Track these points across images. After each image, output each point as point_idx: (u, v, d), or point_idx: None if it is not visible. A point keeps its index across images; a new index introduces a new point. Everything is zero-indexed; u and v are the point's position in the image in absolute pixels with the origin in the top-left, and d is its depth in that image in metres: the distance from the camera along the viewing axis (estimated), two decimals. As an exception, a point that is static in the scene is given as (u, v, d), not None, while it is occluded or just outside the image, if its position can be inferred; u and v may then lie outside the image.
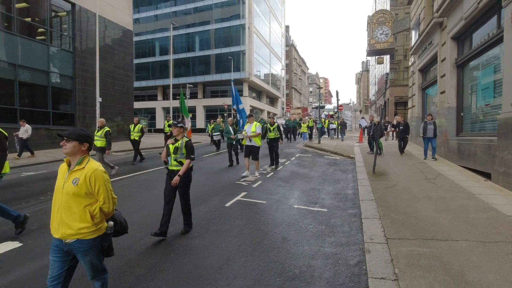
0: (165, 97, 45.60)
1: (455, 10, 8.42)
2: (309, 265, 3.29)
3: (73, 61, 15.99)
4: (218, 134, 14.79)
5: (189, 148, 4.04)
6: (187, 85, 31.93)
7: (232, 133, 9.95)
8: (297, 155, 12.68)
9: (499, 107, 6.27)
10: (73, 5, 15.86)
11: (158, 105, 44.86)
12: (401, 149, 11.27)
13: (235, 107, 9.55)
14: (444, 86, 9.77)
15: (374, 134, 10.56)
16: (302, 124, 20.28)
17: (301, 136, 21.79)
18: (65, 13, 15.93)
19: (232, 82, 10.67)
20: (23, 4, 13.97)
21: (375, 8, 49.71)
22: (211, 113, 39.81)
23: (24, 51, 13.71)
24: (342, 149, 14.03)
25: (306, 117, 27.58)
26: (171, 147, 4.05)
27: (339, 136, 21.07)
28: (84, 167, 2.07)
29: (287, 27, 68.27)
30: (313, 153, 13.74)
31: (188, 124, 11.79)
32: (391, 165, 9.33)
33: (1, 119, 12.41)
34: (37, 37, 14.49)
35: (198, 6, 42.40)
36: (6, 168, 4.11)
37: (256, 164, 8.10)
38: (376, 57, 23.42)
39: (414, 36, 14.88)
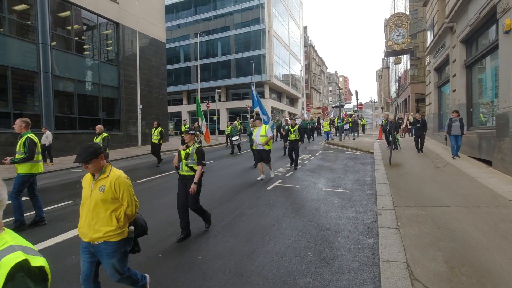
0: (190, 101, 48.01)
1: (462, 17, 9.41)
2: (336, 223, 4.66)
3: (118, 73, 18.12)
4: (238, 139, 14.04)
5: (200, 154, 4.12)
6: (216, 90, 33.85)
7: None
8: (320, 151, 13.93)
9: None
10: (117, 24, 18.01)
11: (184, 109, 47.26)
12: (419, 148, 10.95)
13: (256, 109, 9.89)
14: (455, 85, 10.70)
15: (390, 130, 11.54)
16: (324, 123, 20.89)
17: (321, 135, 22.90)
18: (111, 31, 18.11)
19: (252, 86, 10.92)
20: (77, 26, 16.19)
21: (394, 4, 49.58)
22: (234, 115, 41.55)
23: (80, 67, 15.92)
24: (362, 145, 15.11)
25: (325, 117, 28.44)
26: (183, 153, 4.15)
27: (351, 135, 21.39)
28: (108, 175, 2.28)
29: (305, 28, 69.09)
30: (335, 149, 14.93)
31: (204, 127, 12.02)
32: (406, 157, 10.41)
33: (63, 126, 14.62)
34: (86, 53, 16.69)
35: (219, 14, 44.44)
36: (39, 168, 4.81)
37: (269, 167, 8.13)
38: (393, 58, 24.02)
39: (429, 37, 15.69)
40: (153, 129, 11.10)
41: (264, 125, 7.99)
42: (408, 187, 6.28)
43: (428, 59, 16.25)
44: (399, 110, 45.88)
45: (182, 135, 10.49)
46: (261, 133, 7.79)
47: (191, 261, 3.52)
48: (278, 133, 19.22)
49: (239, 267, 3.33)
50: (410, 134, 18.23)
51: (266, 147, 7.78)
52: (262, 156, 7.85)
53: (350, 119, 21.89)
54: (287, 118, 14.50)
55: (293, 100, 57.18)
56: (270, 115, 16.35)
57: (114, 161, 12.87)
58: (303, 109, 60.90)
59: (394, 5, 48.97)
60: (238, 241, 4.04)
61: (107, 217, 2.25)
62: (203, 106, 34.08)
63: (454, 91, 11.01)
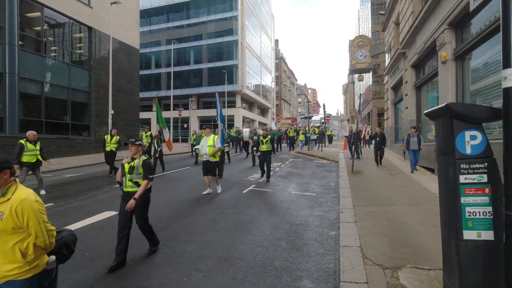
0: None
1: (412, 45, 10.90)
2: (305, 220, 5.38)
3: (89, 77, 17.81)
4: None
5: (147, 168, 3.70)
6: (189, 98, 33.99)
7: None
8: (290, 160, 14.83)
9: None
10: (90, 28, 17.80)
11: (154, 115, 46.36)
12: (378, 160, 11.36)
13: (219, 119, 8.89)
14: (408, 103, 12.20)
15: (354, 141, 12.73)
16: (301, 134, 21.51)
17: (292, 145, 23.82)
18: (83, 34, 17.84)
19: (216, 94, 10.19)
20: (47, 28, 15.80)
21: (359, 25, 53.46)
22: (205, 123, 41.76)
23: (49, 70, 15.50)
24: (328, 155, 16.27)
25: (291, 127, 28.82)
26: (126, 167, 3.68)
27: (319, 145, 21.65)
28: (9, 199, 1.77)
29: (276, 41, 71.58)
30: (303, 158, 15.93)
31: (166, 135, 11.44)
32: (366, 166, 11.58)
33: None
34: (55, 56, 16.32)
35: (192, 22, 44.85)
36: None
37: (216, 181, 7.42)
38: (357, 75, 26.15)
39: (387, 58, 17.53)
40: (109, 136, 10.24)
41: (213, 135, 7.39)
42: (366, 191, 7.23)
43: (386, 78, 18.06)
44: (363, 123, 49.10)
45: (148, 140, 9.45)
46: (208, 143, 7.16)
47: (182, 250, 4.00)
48: (238, 145, 18.76)
49: (224, 254, 3.88)
50: (366, 145, 19.66)
51: (212, 159, 7.17)
52: (208, 169, 7.18)
53: (317, 130, 22.69)
54: (256, 128, 14.64)
55: (263, 110, 58.57)
56: (245, 125, 16.26)
57: (83, 167, 12.69)
58: (273, 119, 62.59)
59: (359, 26, 52.77)
60: (221, 234, 4.59)
61: (8, 251, 1.76)
62: (175, 114, 34.05)
63: (406, 108, 12.50)
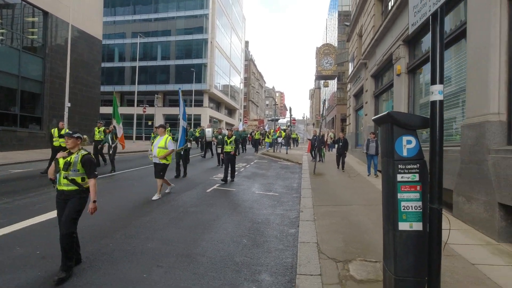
0: (123, 103, 45.25)
1: (372, 57, 11.71)
2: (267, 218, 5.56)
3: (43, 66, 16.54)
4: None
5: (89, 164, 3.27)
6: (155, 95, 32.92)
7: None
8: (255, 161, 15.05)
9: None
10: (46, 13, 16.56)
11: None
12: (339, 164, 11.59)
13: (181, 117, 8.86)
14: (367, 110, 13.05)
15: (318, 144, 13.24)
16: (267, 136, 21.52)
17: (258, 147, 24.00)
18: (37, 18, 16.53)
19: (179, 91, 9.75)
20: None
21: (326, 33, 55.69)
22: (170, 122, 40.67)
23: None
24: (293, 157, 16.78)
25: (257, 129, 28.57)
26: (61, 162, 3.25)
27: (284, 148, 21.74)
28: None
29: (246, 43, 72.01)
30: (268, 159, 16.26)
31: (120, 131, 10.64)
32: (328, 169, 12.16)
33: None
34: (2, 39, 14.97)
35: (160, 17, 43.52)
36: None
37: (159, 184, 6.68)
38: (323, 81, 27.27)
39: (350, 67, 18.56)
40: (56, 130, 9.34)
41: (166, 136, 6.87)
42: (326, 191, 7.63)
43: (349, 86, 19.10)
44: (327, 128, 51.19)
45: (101, 136, 9.38)
46: (160, 144, 6.70)
47: (142, 247, 3.96)
48: (198, 144, 18.52)
49: (186, 251, 3.91)
50: (328, 148, 20.57)
51: (163, 161, 6.67)
52: (155, 171, 6.73)
53: (283, 134, 22.62)
54: (222, 128, 14.61)
55: (231, 111, 58.53)
56: (207, 124, 16.06)
57: (34, 162, 11.78)
58: (240, 120, 62.81)
59: (326, 34, 54.95)
60: (184, 232, 4.60)
61: None
62: (139, 110, 32.75)
63: (366, 115, 13.36)
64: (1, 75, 14.46)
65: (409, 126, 2.04)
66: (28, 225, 4.56)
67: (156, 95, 36.27)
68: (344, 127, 41.46)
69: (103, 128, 11.00)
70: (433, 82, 1.92)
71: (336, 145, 12.16)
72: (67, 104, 17.21)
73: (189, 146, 12.67)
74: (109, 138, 10.23)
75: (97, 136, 10.92)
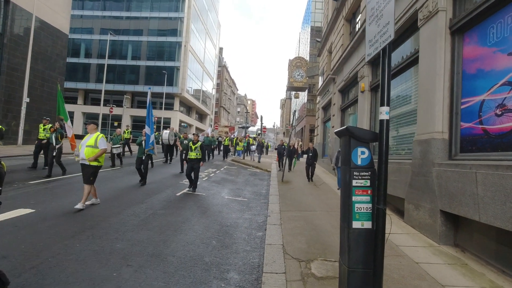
0: (86, 101, 43.11)
1: (340, 73, 12.54)
2: (235, 222, 5.77)
3: (0, 58, 15.44)
4: (119, 147, 12.37)
5: None
6: (124, 95, 31.84)
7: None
8: (225, 167, 15.18)
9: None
10: (6, 1, 15.56)
11: (78, 109, 41.94)
12: (309, 176, 11.23)
13: (146, 121, 8.62)
14: (334, 122, 13.83)
15: (288, 154, 12.79)
16: (240, 143, 20.94)
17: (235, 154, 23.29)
18: (-1, 8, 15.50)
19: (149, 90, 9.31)
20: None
21: (299, 46, 57.78)
22: (138, 124, 39.40)
23: None
24: (262, 165, 17.15)
25: (227, 135, 27.45)
26: None
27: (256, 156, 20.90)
28: None
29: (221, 49, 72.28)
30: (238, 166, 16.47)
31: (70, 131, 9.34)
32: (295, 177, 12.65)
33: None
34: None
35: (133, 16, 42.45)
36: None
37: (86, 191, 5.67)
38: (294, 92, 28.21)
39: (320, 81, 19.52)
40: (42, 125, 9.81)
41: (97, 134, 5.87)
42: (292, 198, 8.01)
43: (318, 98, 20.04)
44: (296, 137, 52.71)
45: (45, 134, 8.33)
46: (89, 143, 5.71)
47: (111, 247, 3.96)
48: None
49: (156, 251, 3.99)
50: (297, 157, 21.02)
51: (93, 163, 5.67)
52: (83, 174, 5.76)
53: (254, 142, 21.77)
54: (186, 132, 12.79)
55: (202, 116, 58.05)
56: (177, 129, 15.46)
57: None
58: (211, 125, 62.50)
59: (299, 47, 56.98)
60: (153, 233, 4.65)
61: None
62: (105, 110, 31.37)
63: (333, 127, 14.14)
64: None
65: (363, 139, 2.41)
66: (-16, 225, 4.34)
67: (125, 95, 35.02)
68: (312, 137, 43.05)
69: (49, 125, 9.99)
70: (381, 104, 2.31)
71: (306, 156, 11.62)
72: (25, 99, 16.19)
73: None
74: (53, 137, 8.95)
75: (42, 135, 9.89)
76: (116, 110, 35.34)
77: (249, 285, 3.36)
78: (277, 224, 5.57)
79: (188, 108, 48.87)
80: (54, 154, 8.81)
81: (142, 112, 40.94)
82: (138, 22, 42.20)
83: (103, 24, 42.30)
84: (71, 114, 42.09)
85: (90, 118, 40.27)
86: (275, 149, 16.85)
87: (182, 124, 45.37)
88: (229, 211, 6.53)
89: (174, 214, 5.82)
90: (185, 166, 8.84)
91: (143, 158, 8.61)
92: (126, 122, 40.59)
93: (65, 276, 3.16)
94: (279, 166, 14.44)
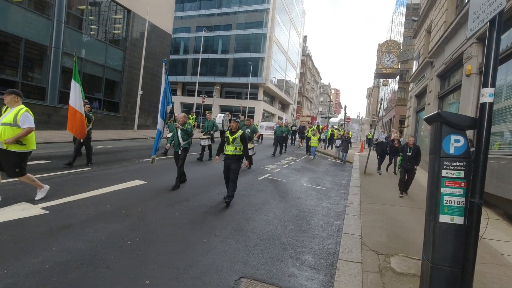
0: (184, 93, 48.61)
1: (440, 55, 10.91)
2: (313, 209, 5.84)
3: (123, 58, 18.79)
4: (208, 138, 10.72)
5: None
6: (215, 86, 34.69)
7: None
8: (305, 156, 15.20)
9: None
10: (128, 11, 18.70)
11: (177, 100, 47.70)
12: (404, 187, 7.39)
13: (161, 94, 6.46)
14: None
15: (393, 152, 10.55)
16: (312, 137, 14.86)
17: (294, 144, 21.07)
18: (121, 16, 18.78)
19: (164, 62, 6.48)
20: (90, 7, 16.80)
21: (391, 28, 52.13)
22: (226, 112, 42.36)
23: (88, 47, 16.54)
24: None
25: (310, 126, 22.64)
26: None
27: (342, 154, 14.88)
28: None
29: (305, 38, 70.97)
30: (319, 156, 16.24)
31: (79, 105, 7.08)
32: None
33: (66, 101, 15.20)
34: (94, 34, 17.35)
35: (223, 12, 45.39)
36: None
37: (27, 181, 4.51)
38: (382, 80, 25.82)
39: (414, 66, 17.35)
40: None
41: (18, 108, 4.30)
42: (374, 191, 7.57)
43: (411, 85, 17.91)
44: (384, 129, 48.38)
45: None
46: (5, 119, 4.20)
47: (202, 219, 4.59)
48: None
49: (238, 226, 4.43)
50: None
51: (13, 148, 4.19)
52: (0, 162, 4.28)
53: (336, 133, 17.93)
54: (228, 114, 11.21)
55: (284, 106, 58.67)
56: (226, 114, 12.53)
57: (111, 141, 13.63)
58: (293, 115, 62.63)
59: (391, 29, 51.45)
60: (236, 211, 5.14)
61: None
62: (199, 100, 34.86)
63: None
64: (92, 64, 16.86)
65: (458, 126, 2.16)
66: (113, 190, 5.55)
67: (215, 86, 38.15)
68: (402, 129, 38.77)
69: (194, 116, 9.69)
70: (484, 85, 2.02)
71: (401, 155, 8.11)
72: (140, 92, 19.34)
73: (206, 142, 10.34)
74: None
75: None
76: (207, 100, 38.90)
77: (324, 268, 3.44)
78: (356, 215, 5.41)
79: (271, 98, 50.09)
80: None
81: (230, 102, 44.03)
82: (228, 17, 44.95)
83: (198, 22, 46.56)
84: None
85: (186, 108, 45.65)
86: (374, 144, 13.02)
87: (266, 113, 46.93)
88: (307, 198, 6.63)
89: (254, 196, 6.26)
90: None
91: (179, 152, 6.34)
92: (216, 111, 44.34)
93: (168, 235, 3.84)
94: (380, 168, 11.07)
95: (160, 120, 6.32)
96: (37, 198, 4.57)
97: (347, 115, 26.58)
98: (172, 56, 47.55)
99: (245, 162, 5.66)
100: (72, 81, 7.13)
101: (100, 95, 17.60)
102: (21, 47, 12.96)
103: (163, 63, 6.42)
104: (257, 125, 19.95)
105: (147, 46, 19.81)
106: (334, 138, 17.86)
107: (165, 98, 6.40)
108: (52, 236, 3.45)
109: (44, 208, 4.24)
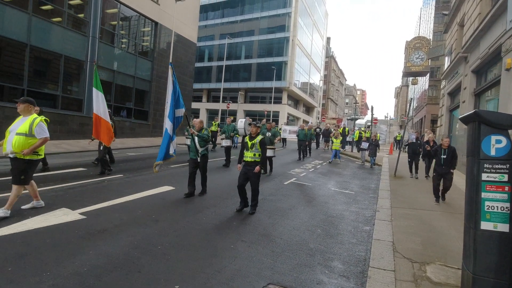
0: (209, 99, 49.65)
1: (475, 50, 10.26)
2: (341, 213, 5.69)
3: (151, 68, 19.61)
4: (228, 140, 10.92)
5: None
6: (239, 92, 35.15)
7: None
8: (332, 159, 14.85)
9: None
10: (156, 23, 19.54)
11: (202, 106, 48.86)
12: (440, 194, 6.73)
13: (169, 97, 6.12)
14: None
15: (426, 154, 8.53)
16: (334, 140, 14.45)
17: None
18: (149, 29, 19.67)
19: (170, 65, 6.24)
20: (121, 22, 17.75)
21: (419, 24, 49.94)
22: (251, 118, 42.65)
23: (119, 59, 17.46)
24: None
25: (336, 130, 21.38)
26: None
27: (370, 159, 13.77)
28: None
29: (328, 39, 70.00)
30: (346, 159, 15.83)
31: (103, 112, 7.21)
32: (408, 172, 11.25)
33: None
34: (125, 47, 18.27)
35: (246, 18, 45.99)
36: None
37: (14, 193, 4.19)
38: (411, 78, 24.73)
39: (446, 62, 16.46)
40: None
41: (33, 116, 4.25)
42: (405, 195, 7.23)
43: (443, 83, 16.99)
44: (414, 129, 46.18)
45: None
46: (21, 129, 4.13)
47: (229, 224, 4.63)
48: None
49: (265, 232, 4.41)
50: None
51: (27, 157, 4.14)
52: (12, 170, 4.24)
53: (364, 134, 17.40)
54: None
55: (309, 109, 58.03)
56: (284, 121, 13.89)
57: (142, 148, 14.19)
58: (318, 118, 61.66)
59: (419, 26, 49.33)
60: (263, 216, 5.13)
61: None
62: (223, 106, 35.45)
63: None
64: (123, 76, 17.76)
65: (499, 126, 2.01)
66: (144, 196, 5.77)
67: (239, 92, 38.61)
68: (434, 129, 36.75)
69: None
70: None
71: (435, 158, 7.04)
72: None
73: (227, 143, 10.35)
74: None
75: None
76: (232, 106, 39.43)
77: (354, 276, 3.32)
78: (387, 220, 5.19)
79: (295, 101, 49.78)
80: (101, 148, 7.70)
81: (254, 107, 44.31)
82: (250, 23, 45.50)
83: (222, 30, 47.55)
84: (197, 111, 49.63)
85: (212, 114, 46.57)
86: (406, 145, 11.82)
87: (291, 117, 46.67)
88: (334, 202, 6.47)
89: (281, 201, 6.22)
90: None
91: (198, 159, 6.04)
92: (240, 116, 44.80)
93: (196, 241, 3.91)
94: (411, 171, 10.40)
95: (168, 122, 5.80)
96: (24, 207, 4.45)
97: (374, 116, 25.67)
98: (197, 64, 48.74)
99: (257, 167, 5.16)
100: (94, 89, 7.23)
101: (131, 104, 18.46)
102: (61, 63, 13.96)
103: (170, 66, 6.17)
104: (280, 129, 19.94)
105: (173, 55, 20.49)
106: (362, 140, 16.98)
107: (173, 101, 6.03)
108: (89, 240, 3.64)
109: (81, 214, 4.49)
